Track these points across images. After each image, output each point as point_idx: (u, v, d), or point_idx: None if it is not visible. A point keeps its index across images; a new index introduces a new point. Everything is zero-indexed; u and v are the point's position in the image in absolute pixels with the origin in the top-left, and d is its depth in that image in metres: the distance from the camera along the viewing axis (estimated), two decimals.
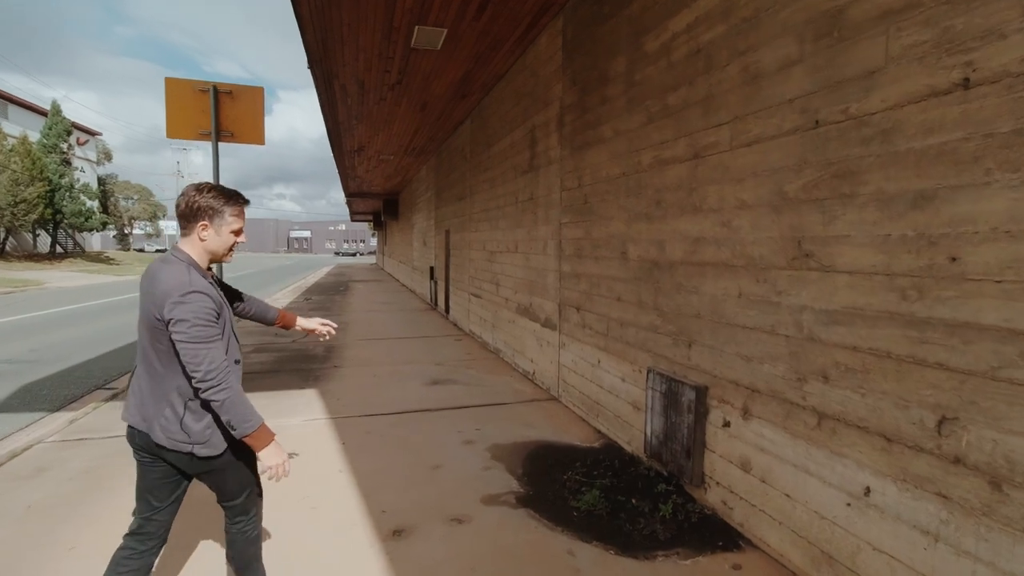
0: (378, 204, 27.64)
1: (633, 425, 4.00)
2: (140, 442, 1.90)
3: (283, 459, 1.90)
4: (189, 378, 1.79)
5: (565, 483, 3.52)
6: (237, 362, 1.98)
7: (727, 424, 2.99)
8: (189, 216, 1.87)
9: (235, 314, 2.23)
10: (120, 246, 54.72)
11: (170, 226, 56.47)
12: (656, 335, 3.67)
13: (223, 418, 1.80)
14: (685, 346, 3.35)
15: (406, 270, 21.43)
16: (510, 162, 6.95)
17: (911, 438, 2.00)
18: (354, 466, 3.81)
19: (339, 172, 16.77)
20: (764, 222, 2.69)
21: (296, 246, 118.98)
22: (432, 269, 14.33)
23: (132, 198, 54.81)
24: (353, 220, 43.66)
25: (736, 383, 2.90)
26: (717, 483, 3.09)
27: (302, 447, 4.20)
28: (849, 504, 2.25)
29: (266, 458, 1.88)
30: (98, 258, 36.56)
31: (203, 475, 1.97)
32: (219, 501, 2.06)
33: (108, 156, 42.71)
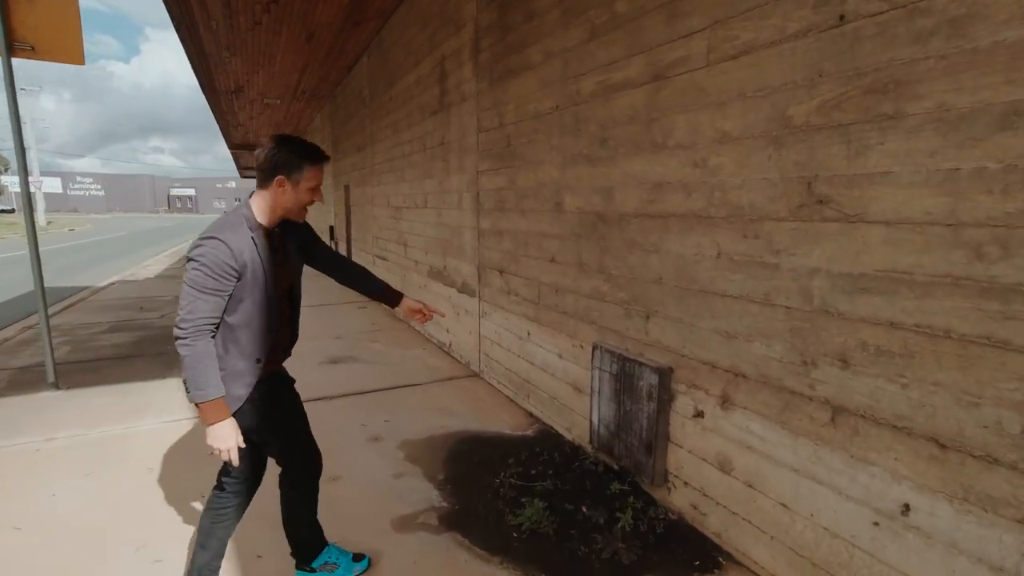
0: None
1: (574, 409, 3.39)
2: None
3: (229, 445, 1.75)
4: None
5: (498, 490, 2.85)
6: (271, 331, 1.85)
7: (699, 414, 2.42)
8: (266, 170, 1.77)
9: (339, 281, 2.21)
10: None
11: (14, 182, 48.70)
12: (603, 304, 3.03)
13: (183, 375, 1.72)
14: (642, 318, 2.73)
15: None
16: (416, 102, 5.97)
17: (980, 445, 1.48)
18: None
19: (217, 119, 14.65)
20: (756, 160, 2.06)
21: (179, 205, 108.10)
22: (332, 229, 12.99)
23: None
24: (243, 176, 39.86)
25: (712, 365, 2.33)
26: (685, 483, 2.55)
27: (151, 461, 3.22)
28: (877, 524, 1.74)
29: (211, 437, 1.74)
30: None
31: None
32: None
33: None
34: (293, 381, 2.12)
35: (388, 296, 2.21)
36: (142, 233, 33.10)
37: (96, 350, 5.72)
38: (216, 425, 1.71)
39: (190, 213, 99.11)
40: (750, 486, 2.19)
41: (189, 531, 2.53)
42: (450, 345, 5.47)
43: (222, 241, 1.67)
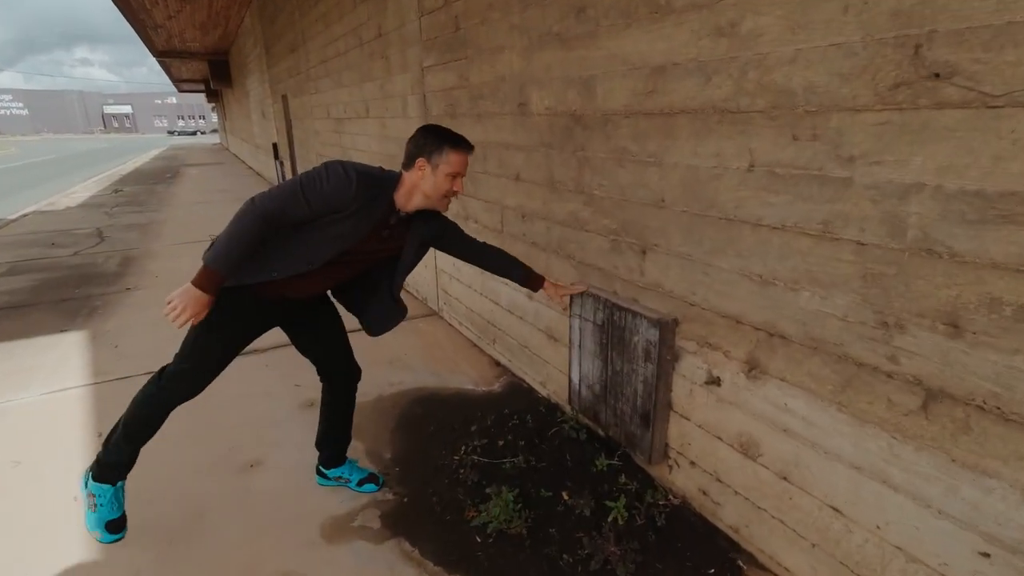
0: (205, 68, 22.59)
1: (548, 361, 2.81)
2: None
3: (186, 308, 1.60)
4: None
5: (458, 472, 2.30)
6: (309, 268, 1.74)
7: (715, 381, 1.85)
8: (410, 152, 1.78)
9: (484, 269, 2.20)
10: None
11: None
12: (583, 234, 2.36)
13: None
14: (636, 253, 2.08)
15: (250, 149, 18.09)
16: None
17: None
18: None
19: (130, 21, 12.73)
20: (822, 14, 1.33)
21: (115, 125, 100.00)
22: (275, 146, 11.74)
23: None
24: (180, 90, 36.53)
25: (736, 320, 1.72)
26: (692, 464, 2.02)
27: (28, 446, 2.56)
28: (987, 555, 1.21)
29: (181, 292, 1.61)
30: None
31: None
32: None
33: None
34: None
35: (530, 281, 2.16)
36: (73, 156, 30.36)
37: None
38: (194, 289, 1.62)
39: (128, 133, 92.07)
40: (785, 478, 1.66)
41: (52, 542, 1.91)
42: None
43: (355, 180, 1.64)
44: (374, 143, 4.96)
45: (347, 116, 5.74)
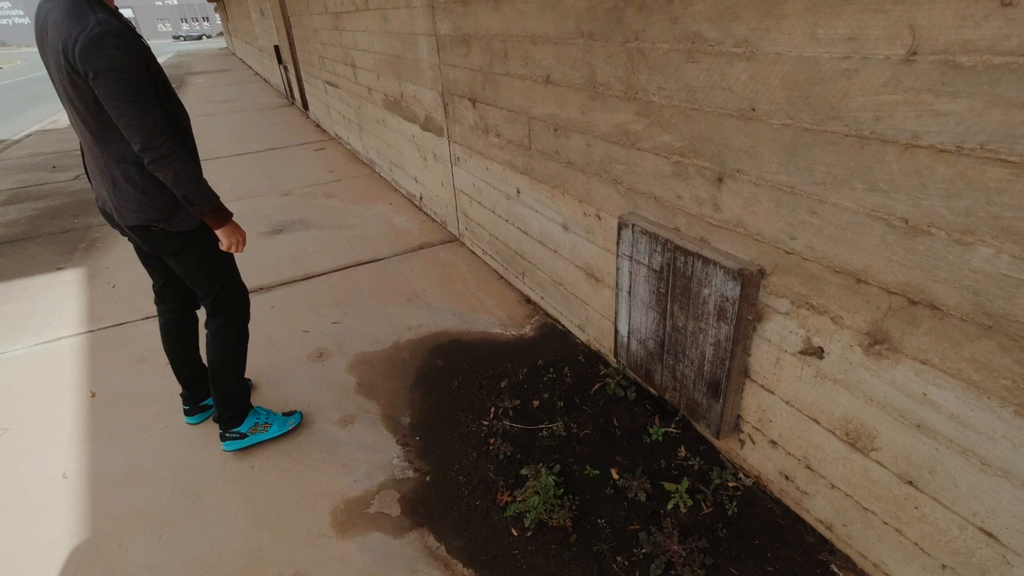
0: None
1: (588, 304, 2.40)
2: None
3: (237, 238, 1.79)
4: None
5: (487, 441, 1.98)
6: (189, 135, 1.78)
7: (815, 352, 1.42)
8: None
9: None
10: None
11: None
12: (634, 153, 1.84)
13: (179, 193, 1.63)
14: (708, 181, 1.58)
15: (254, 52, 17.01)
16: None
17: None
18: (97, 459, 2.05)
19: None
20: None
21: None
22: (277, 49, 10.85)
23: None
24: None
25: (858, 277, 1.25)
26: (773, 443, 1.64)
27: (17, 409, 2.33)
28: None
29: (231, 232, 1.77)
30: None
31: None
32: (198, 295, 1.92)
33: None
34: None
35: None
36: None
37: None
38: (227, 223, 1.75)
39: None
40: (911, 483, 1.27)
41: (32, 532, 1.69)
42: (420, 198, 4.31)
43: (123, 23, 1.52)
44: (376, 41, 4.30)
45: (345, 10, 5.00)
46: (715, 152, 1.52)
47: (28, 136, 9.12)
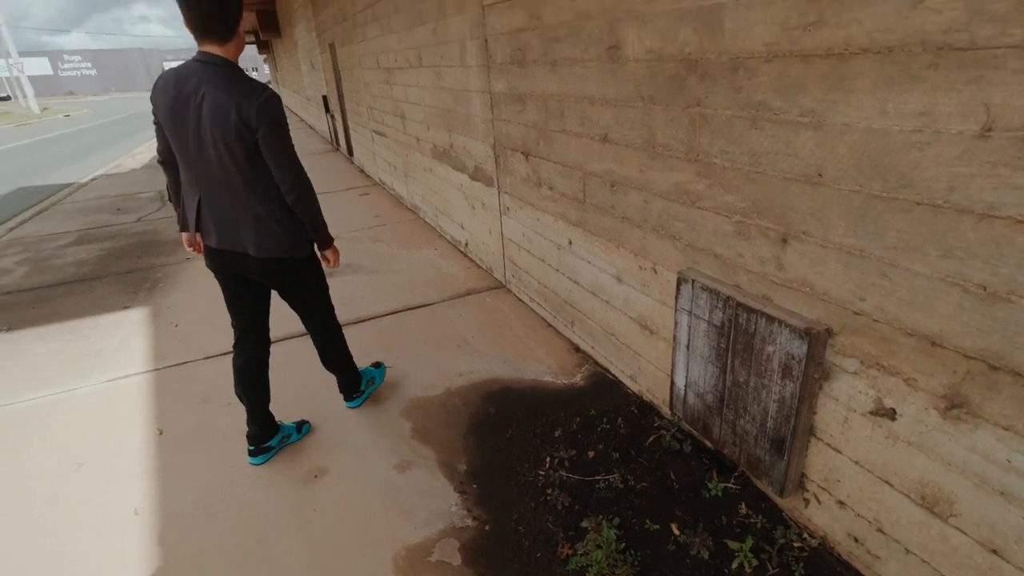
0: (253, 19, 22.32)
1: (641, 355, 2.42)
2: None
3: (337, 257, 2.21)
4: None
5: (545, 492, 1.99)
6: None
7: (885, 412, 1.42)
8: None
9: None
10: None
11: (2, 67, 45.79)
12: (694, 211, 1.90)
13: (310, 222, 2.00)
14: (771, 241, 1.62)
15: (300, 101, 17.92)
16: None
17: None
18: (167, 496, 2.13)
19: None
20: None
21: None
22: (325, 99, 11.43)
23: None
24: None
25: (933, 340, 1.27)
26: (841, 503, 1.62)
27: (91, 444, 2.44)
28: None
29: (335, 254, 2.17)
30: None
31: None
32: (301, 316, 2.28)
33: None
34: None
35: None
36: (139, 115, 31.22)
37: (56, 270, 4.87)
38: (333, 246, 2.15)
39: None
40: (995, 552, 1.24)
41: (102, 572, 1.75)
42: (466, 245, 4.44)
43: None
44: (428, 95, 4.53)
45: (397, 65, 5.29)
46: (779, 214, 1.57)
47: (94, 180, 9.72)
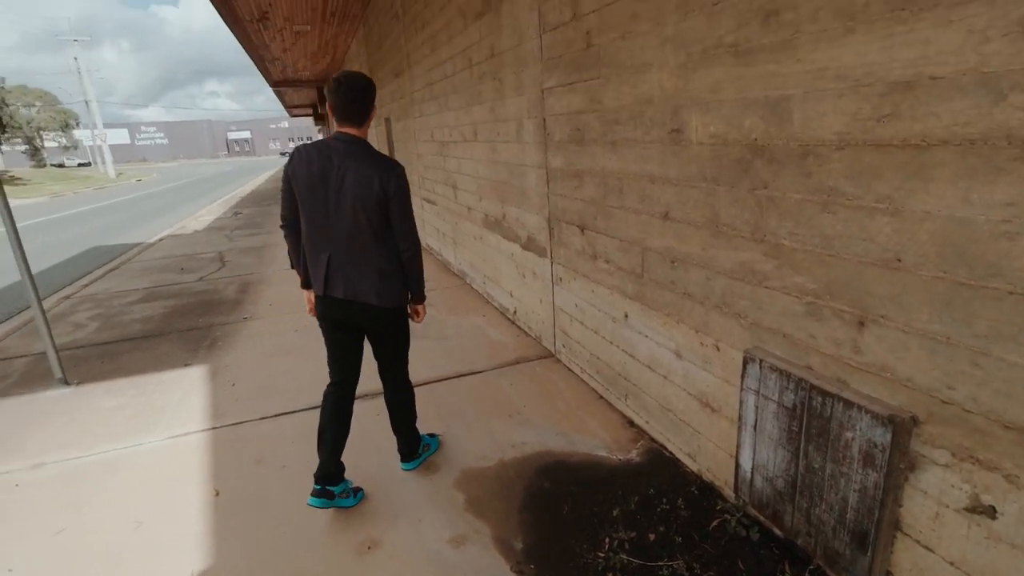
0: (313, 94, 24.08)
1: (701, 432, 2.36)
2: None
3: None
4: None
5: (605, 575, 1.91)
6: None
7: (983, 510, 1.34)
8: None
9: None
10: (34, 163, 49.09)
11: (88, 136, 50.28)
12: (760, 291, 1.90)
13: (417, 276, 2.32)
14: (846, 324, 1.60)
15: None
16: (455, 4, 4.70)
17: None
18: (222, 561, 2.12)
19: (250, 55, 13.64)
20: None
21: (237, 149, 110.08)
22: None
23: (34, 105, 48.20)
24: (291, 115, 39.32)
25: None
26: None
27: (150, 502, 2.48)
28: None
29: (422, 311, 2.49)
30: None
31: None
32: (385, 365, 2.50)
33: None
34: None
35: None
36: (202, 180, 33.44)
37: (123, 326, 5.12)
38: (424, 304, 2.47)
39: (247, 156, 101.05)
40: None
41: None
42: (515, 312, 4.49)
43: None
44: (482, 168, 4.74)
45: (452, 140, 5.58)
46: (855, 297, 1.56)
47: (161, 240, 10.33)
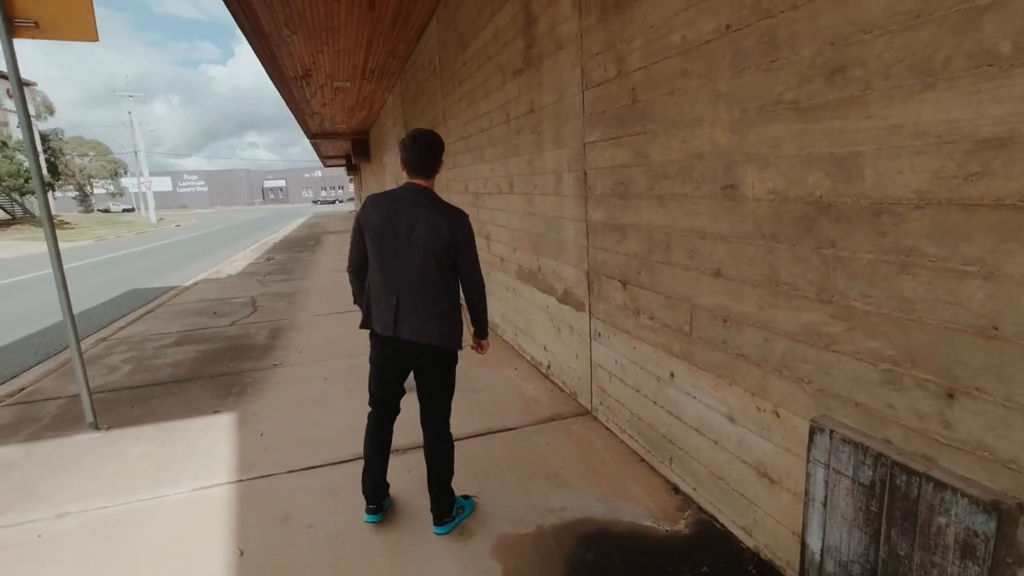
0: (347, 145, 24.98)
1: (758, 505, 2.19)
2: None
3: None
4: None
5: None
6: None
7: None
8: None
9: None
10: (82, 208, 51.49)
11: (134, 183, 52.82)
12: (828, 355, 1.78)
13: (482, 319, 2.50)
14: (932, 395, 1.47)
15: None
16: (494, 62, 4.83)
17: None
18: None
19: (291, 109, 14.28)
20: None
21: (271, 197, 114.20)
22: None
23: (87, 155, 50.99)
24: (326, 165, 40.79)
25: None
26: None
27: (174, 559, 2.37)
28: None
29: (486, 346, 2.59)
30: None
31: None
32: (431, 407, 2.47)
33: (49, 109, 38.83)
34: None
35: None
36: (238, 226, 34.55)
37: (155, 370, 5.14)
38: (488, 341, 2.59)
39: (281, 203, 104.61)
40: None
41: None
42: (548, 367, 4.37)
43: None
44: (516, 219, 4.73)
45: (486, 191, 5.63)
46: (942, 365, 1.43)
47: (196, 284, 10.55)
